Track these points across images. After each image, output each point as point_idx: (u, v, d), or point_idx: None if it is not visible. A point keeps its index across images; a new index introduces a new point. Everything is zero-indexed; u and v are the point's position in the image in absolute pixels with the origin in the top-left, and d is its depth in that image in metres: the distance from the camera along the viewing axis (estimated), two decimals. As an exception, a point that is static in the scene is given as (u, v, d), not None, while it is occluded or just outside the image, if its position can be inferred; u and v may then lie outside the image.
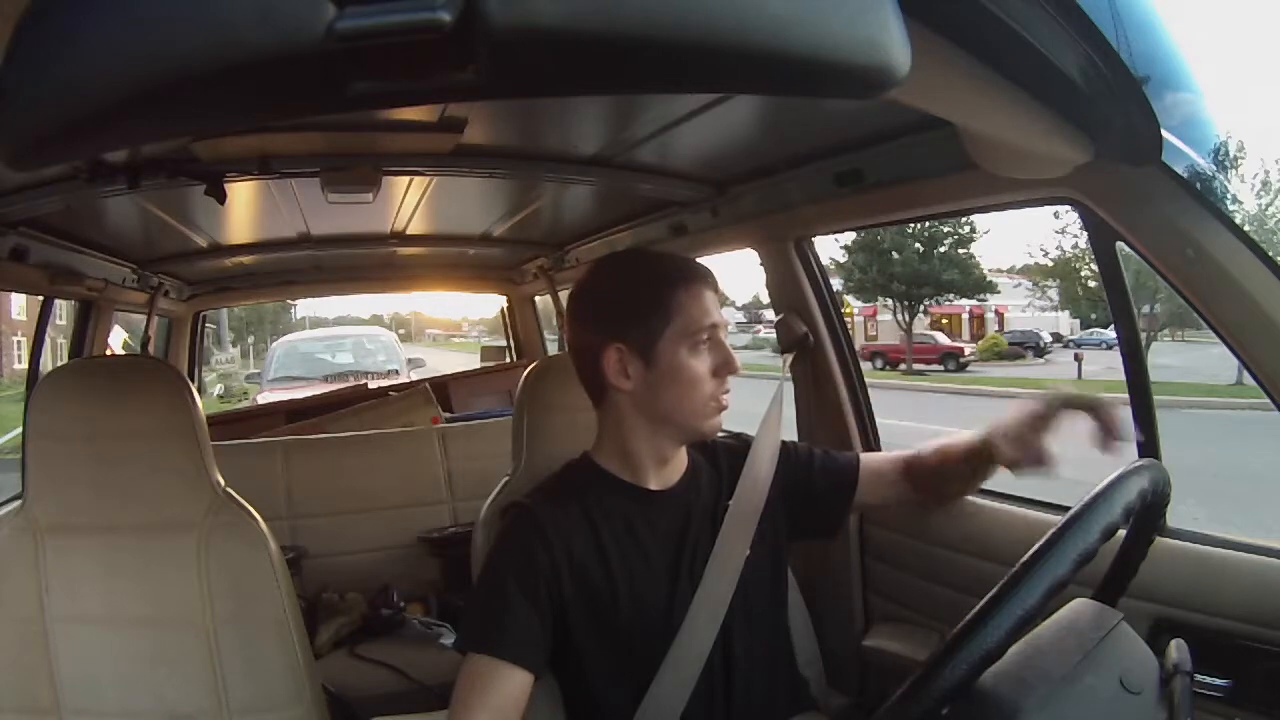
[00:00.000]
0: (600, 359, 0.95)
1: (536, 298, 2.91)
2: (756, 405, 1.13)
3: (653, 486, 0.98)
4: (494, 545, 0.99)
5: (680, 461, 1.01)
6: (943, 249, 18.29)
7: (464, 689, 0.87)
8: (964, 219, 16.71)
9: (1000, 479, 1.33)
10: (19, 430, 1.84)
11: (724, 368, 0.95)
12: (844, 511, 1.09)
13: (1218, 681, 0.87)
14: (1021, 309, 19.58)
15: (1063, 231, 15.89)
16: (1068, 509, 0.65)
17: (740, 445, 1.06)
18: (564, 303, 2.78)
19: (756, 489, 1.00)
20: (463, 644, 0.90)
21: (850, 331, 1.58)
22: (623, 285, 0.98)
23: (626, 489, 0.97)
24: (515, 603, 0.89)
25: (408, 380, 3.70)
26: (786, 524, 1.04)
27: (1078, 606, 0.69)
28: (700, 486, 1.01)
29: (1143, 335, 1.13)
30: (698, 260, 1.01)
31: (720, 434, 1.09)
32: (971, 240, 18.49)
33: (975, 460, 1.02)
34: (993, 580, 0.61)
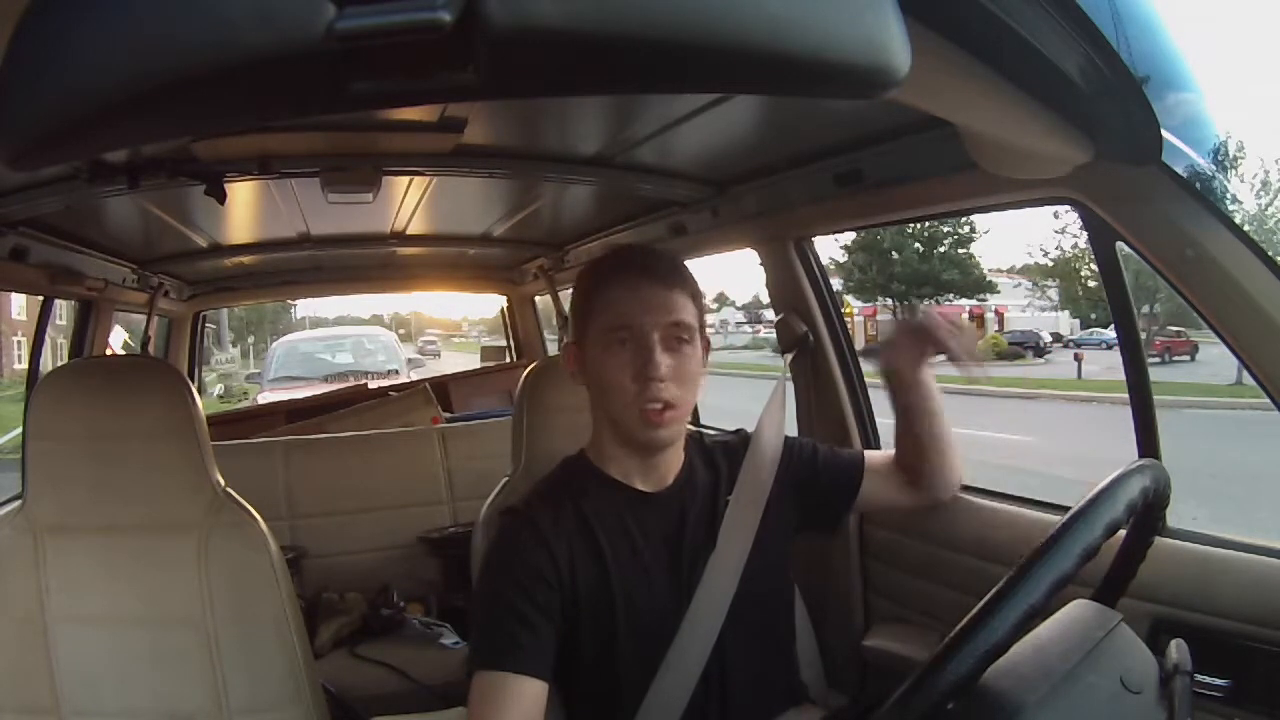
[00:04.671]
0: (567, 354, 0.98)
1: (536, 298, 2.91)
2: (756, 406, 1.13)
3: (640, 487, 0.96)
4: (491, 554, 0.96)
5: (670, 463, 0.98)
6: (943, 249, 18.33)
7: (480, 711, 0.83)
8: (964, 219, 16.74)
9: (995, 480, 1.34)
10: (19, 430, 1.83)
11: (640, 373, 0.88)
12: (847, 507, 1.07)
13: (1218, 681, 0.87)
14: (1021, 309, 19.59)
15: (1063, 231, 15.94)
16: (1068, 509, 0.66)
17: (738, 442, 1.05)
18: (564, 303, 2.78)
19: (758, 485, 0.99)
20: (474, 663, 0.86)
21: (850, 331, 1.58)
22: (579, 281, 0.98)
23: (618, 488, 0.96)
24: (523, 611, 0.87)
25: (408, 380, 3.70)
26: (792, 519, 1.03)
27: (1078, 607, 0.69)
28: (696, 486, 0.99)
29: (1142, 335, 1.13)
30: (672, 257, 0.96)
31: (716, 432, 1.09)
32: (971, 240, 18.56)
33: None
34: (993, 580, 0.61)
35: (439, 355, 22.72)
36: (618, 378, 0.90)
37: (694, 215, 1.64)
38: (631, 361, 0.89)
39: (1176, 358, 12.48)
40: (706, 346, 0.98)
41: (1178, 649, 0.67)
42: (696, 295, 0.95)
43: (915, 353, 0.99)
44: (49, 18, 0.34)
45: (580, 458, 1.00)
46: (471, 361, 5.07)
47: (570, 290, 0.99)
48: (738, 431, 1.08)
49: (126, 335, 3.24)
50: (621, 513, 0.95)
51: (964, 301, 19.95)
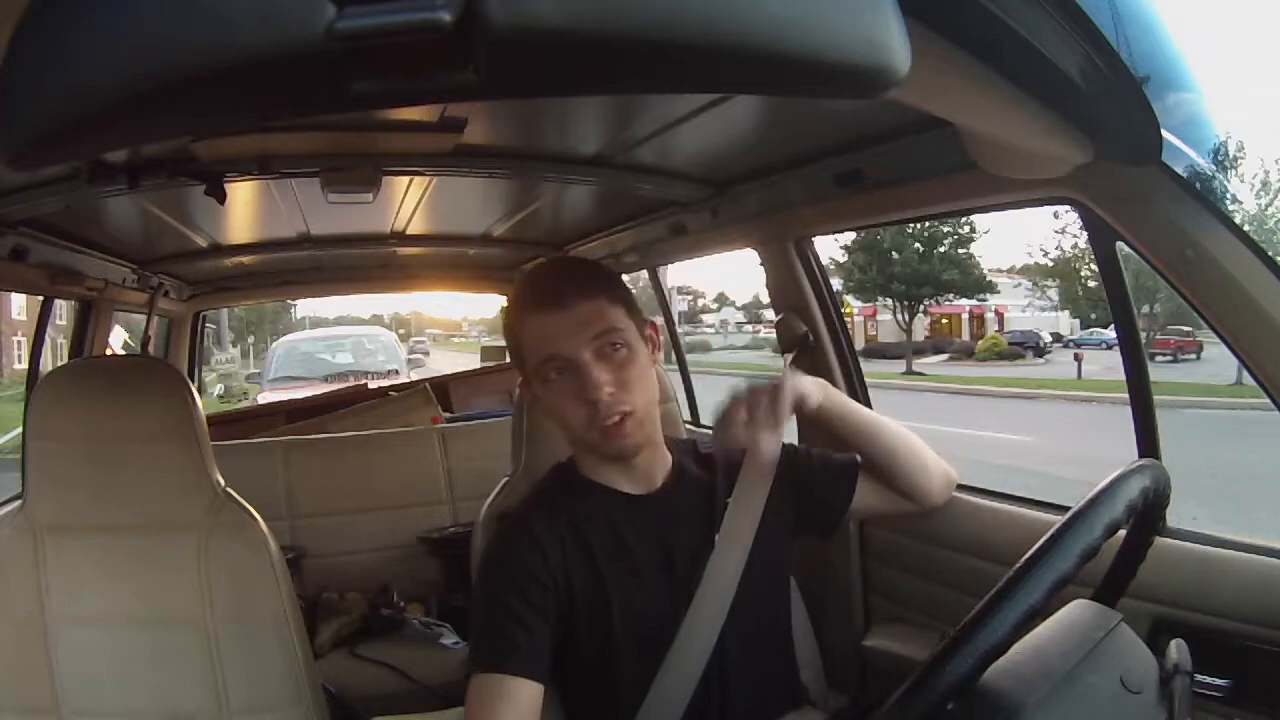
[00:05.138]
0: (521, 389, 0.98)
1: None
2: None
3: (628, 490, 0.96)
4: (487, 558, 0.97)
5: (653, 463, 0.98)
6: (943, 249, 18.31)
7: (476, 713, 0.84)
8: (964, 219, 16.73)
9: (995, 480, 1.34)
10: (19, 430, 1.83)
11: (582, 397, 0.88)
12: (843, 510, 1.07)
13: (1218, 681, 0.87)
14: (1021, 309, 19.60)
15: (1063, 231, 15.97)
16: (1067, 509, 0.66)
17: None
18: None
19: (758, 486, 0.99)
20: (471, 666, 0.87)
21: (850, 331, 1.58)
22: (503, 320, 0.96)
23: (606, 493, 0.96)
24: (518, 612, 0.87)
25: (408, 380, 3.71)
26: (790, 521, 1.03)
27: (1078, 607, 0.69)
28: (688, 488, 0.99)
29: (1142, 335, 1.13)
30: (586, 264, 0.94)
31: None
32: (971, 240, 18.55)
33: None
34: (993, 580, 0.61)
35: (428, 354, 23.11)
36: (566, 407, 0.90)
37: (694, 215, 1.64)
38: (573, 387, 0.88)
39: (1184, 357, 12.63)
40: (655, 333, 0.96)
41: (1178, 649, 0.67)
42: (619, 295, 0.92)
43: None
44: (49, 18, 0.34)
45: (569, 463, 1.01)
46: (471, 361, 5.08)
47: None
48: None
49: (126, 335, 3.24)
50: (612, 516, 0.95)
51: (964, 301, 19.97)
